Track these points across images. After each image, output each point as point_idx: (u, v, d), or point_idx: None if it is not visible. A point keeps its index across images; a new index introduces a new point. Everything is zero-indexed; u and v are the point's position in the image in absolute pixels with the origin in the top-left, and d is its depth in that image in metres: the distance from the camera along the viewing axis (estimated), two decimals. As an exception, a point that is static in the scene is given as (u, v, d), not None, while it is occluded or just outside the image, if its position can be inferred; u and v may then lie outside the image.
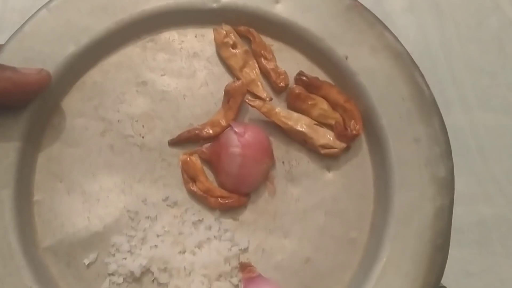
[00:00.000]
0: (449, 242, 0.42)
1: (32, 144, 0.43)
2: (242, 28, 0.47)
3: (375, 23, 0.46)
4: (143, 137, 0.45)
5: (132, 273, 0.42)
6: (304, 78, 0.45)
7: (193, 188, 0.44)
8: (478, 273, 0.51)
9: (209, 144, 0.45)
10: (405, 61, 0.45)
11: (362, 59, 0.45)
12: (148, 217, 0.44)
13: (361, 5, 0.46)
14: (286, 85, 0.46)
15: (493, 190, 0.53)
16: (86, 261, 0.42)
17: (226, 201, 0.44)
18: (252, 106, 0.45)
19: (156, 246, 0.43)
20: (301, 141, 0.45)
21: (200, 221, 0.44)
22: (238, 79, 0.45)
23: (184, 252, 0.43)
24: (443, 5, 0.58)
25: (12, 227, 0.41)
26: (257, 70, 0.46)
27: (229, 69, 0.47)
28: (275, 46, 0.47)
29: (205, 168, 0.45)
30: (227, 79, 0.46)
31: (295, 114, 0.45)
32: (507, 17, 0.58)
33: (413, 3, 0.57)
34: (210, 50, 0.47)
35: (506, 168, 0.53)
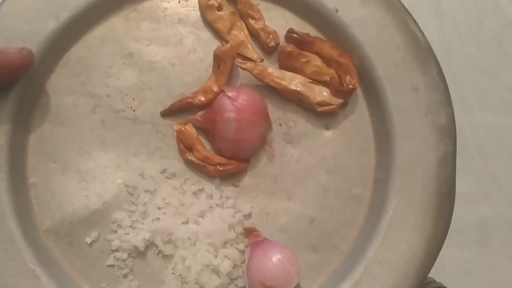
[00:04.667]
0: (455, 189, 0.42)
1: (21, 126, 0.42)
2: (226, -11, 0.45)
3: (364, -28, 0.44)
4: (134, 110, 0.44)
5: (136, 247, 0.41)
6: (295, 35, 0.44)
7: (190, 158, 0.43)
8: (478, 273, 0.51)
9: (202, 111, 0.44)
10: (397, 9, 0.44)
11: (353, 10, 0.44)
12: (147, 191, 0.43)
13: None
14: (277, 44, 0.45)
15: (493, 190, 0.53)
16: (88, 240, 0.41)
17: (225, 168, 0.43)
18: (244, 69, 0.43)
19: (158, 219, 0.42)
20: (297, 100, 0.44)
21: (201, 190, 0.43)
22: (227, 42, 0.44)
23: (187, 222, 0.42)
24: (443, 5, 0.58)
25: (9, 211, 0.40)
26: (246, 31, 0.45)
27: (217, 32, 0.45)
28: (262, 5, 0.46)
29: (200, 136, 0.44)
30: (215, 44, 0.45)
31: (289, 74, 0.44)
32: (507, 17, 0.58)
33: (413, 3, 0.57)
34: (195, 14, 0.46)
35: (506, 168, 0.54)
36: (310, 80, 0.44)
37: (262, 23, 0.45)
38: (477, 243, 0.52)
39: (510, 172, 0.53)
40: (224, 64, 0.43)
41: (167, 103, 0.44)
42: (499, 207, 0.53)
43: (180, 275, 0.41)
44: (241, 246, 0.42)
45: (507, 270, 0.51)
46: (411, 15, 0.44)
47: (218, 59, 0.43)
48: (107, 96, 0.44)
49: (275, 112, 0.45)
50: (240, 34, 0.45)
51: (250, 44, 0.45)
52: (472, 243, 0.51)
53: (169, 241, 0.42)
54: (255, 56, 0.45)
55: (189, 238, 0.41)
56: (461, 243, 0.51)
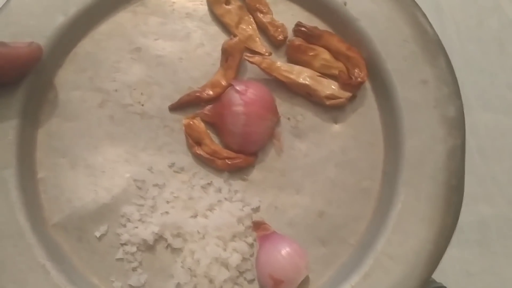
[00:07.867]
0: (464, 182, 0.42)
1: (30, 121, 0.42)
2: (234, -17, 0.45)
3: (371, -35, 0.44)
4: (142, 105, 0.44)
5: (145, 241, 0.41)
6: (303, 28, 0.44)
7: (199, 152, 0.43)
8: (478, 273, 0.51)
9: (211, 105, 0.44)
10: (405, 2, 0.44)
11: (361, 3, 0.44)
12: (156, 185, 0.43)
13: None
14: (285, 38, 0.45)
15: (493, 190, 0.53)
16: (98, 234, 0.41)
17: (234, 162, 0.43)
18: (252, 63, 0.43)
19: (167, 212, 0.42)
20: (305, 94, 0.44)
21: (209, 184, 0.43)
22: (235, 36, 0.44)
23: (196, 216, 0.42)
24: (443, 5, 0.58)
25: (18, 207, 0.40)
26: (254, 25, 0.45)
27: (224, 26, 0.45)
28: (270, -2, 0.46)
29: (209, 130, 0.44)
30: (223, 38, 0.45)
31: (297, 67, 0.44)
32: (507, 17, 0.58)
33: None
34: (203, 8, 0.46)
35: (506, 168, 0.54)
36: (319, 74, 0.44)
37: (270, 17, 0.45)
38: (477, 243, 0.52)
39: (510, 172, 0.53)
40: (232, 58, 0.43)
41: (175, 97, 0.44)
42: (499, 207, 0.53)
43: (189, 269, 0.41)
44: (249, 239, 0.42)
45: (507, 270, 0.51)
46: (419, 7, 0.44)
47: (226, 53, 0.43)
48: (115, 91, 0.44)
49: (283, 106, 0.45)
50: (248, 28, 0.45)
51: (258, 38, 0.45)
52: (472, 243, 0.51)
53: (178, 235, 0.42)
54: (263, 50, 0.45)
55: (198, 232, 0.41)
56: (461, 243, 0.51)
